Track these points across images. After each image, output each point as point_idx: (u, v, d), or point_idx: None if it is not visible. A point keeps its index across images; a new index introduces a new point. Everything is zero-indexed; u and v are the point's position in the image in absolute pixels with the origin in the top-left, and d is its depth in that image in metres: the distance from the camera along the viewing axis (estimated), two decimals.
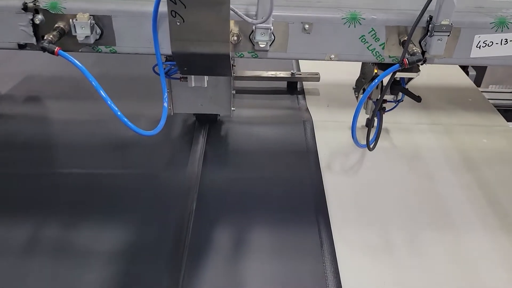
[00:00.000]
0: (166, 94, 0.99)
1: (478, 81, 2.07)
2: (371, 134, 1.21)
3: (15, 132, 1.40)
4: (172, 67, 1.10)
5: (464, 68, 1.89)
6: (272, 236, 1.05)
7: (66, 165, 1.27)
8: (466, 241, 1.03)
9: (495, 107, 1.65)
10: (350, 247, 1.01)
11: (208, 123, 1.42)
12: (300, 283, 0.94)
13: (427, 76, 1.79)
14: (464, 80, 1.80)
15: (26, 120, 1.46)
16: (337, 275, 0.94)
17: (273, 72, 1.72)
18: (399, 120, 1.48)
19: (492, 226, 1.06)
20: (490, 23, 0.98)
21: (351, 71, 1.28)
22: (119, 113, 0.95)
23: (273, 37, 0.99)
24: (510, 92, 1.81)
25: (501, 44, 1.01)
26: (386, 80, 1.17)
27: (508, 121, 1.57)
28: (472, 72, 1.94)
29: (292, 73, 1.71)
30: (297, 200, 1.15)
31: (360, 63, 1.31)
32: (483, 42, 1.01)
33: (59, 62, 1.78)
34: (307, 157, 1.30)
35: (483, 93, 1.75)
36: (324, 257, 0.99)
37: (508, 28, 0.99)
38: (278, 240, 1.04)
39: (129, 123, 0.96)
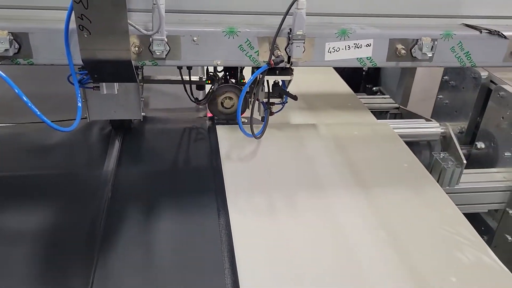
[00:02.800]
0: (79, 94, 1.18)
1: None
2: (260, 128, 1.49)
3: None
4: (84, 76, 1.29)
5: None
6: (178, 210, 1.25)
7: None
8: (332, 201, 1.30)
9: (369, 110, 2.01)
10: (241, 213, 1.23)
11: (123, 129, 1.61)
12: (199, 241, 1.15)
13: (317, 86, 2.14)
14: (346, 89, 2.17)
15: None
16: (229, 234, 1.15)
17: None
18: (290, 121, 1.77)
19: (352, 188, 1.36)
20: (335, 33, 1.29)
21: None
22: (38, 113, 1.11)
23: (168, 47, 1.21)
24: (381, 98, 2.21)
25: (345, 49, 1.32)
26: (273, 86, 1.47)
27: (378, 119, 1.92)
28: None
29: (200, 78, 1.91)
30: (200, 183, 1.36)
31: None
32: (332, 48, 1.31)
33: None
34: (210, 150, 1.52)
35: (361, 99, 2.11)
36: (220, 223, 1.20)
37: (348, 37, 1.29)
38: (182, 212, 1.24)
39: (49, 121, 1.13)
